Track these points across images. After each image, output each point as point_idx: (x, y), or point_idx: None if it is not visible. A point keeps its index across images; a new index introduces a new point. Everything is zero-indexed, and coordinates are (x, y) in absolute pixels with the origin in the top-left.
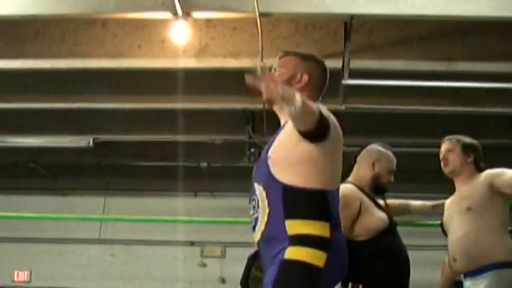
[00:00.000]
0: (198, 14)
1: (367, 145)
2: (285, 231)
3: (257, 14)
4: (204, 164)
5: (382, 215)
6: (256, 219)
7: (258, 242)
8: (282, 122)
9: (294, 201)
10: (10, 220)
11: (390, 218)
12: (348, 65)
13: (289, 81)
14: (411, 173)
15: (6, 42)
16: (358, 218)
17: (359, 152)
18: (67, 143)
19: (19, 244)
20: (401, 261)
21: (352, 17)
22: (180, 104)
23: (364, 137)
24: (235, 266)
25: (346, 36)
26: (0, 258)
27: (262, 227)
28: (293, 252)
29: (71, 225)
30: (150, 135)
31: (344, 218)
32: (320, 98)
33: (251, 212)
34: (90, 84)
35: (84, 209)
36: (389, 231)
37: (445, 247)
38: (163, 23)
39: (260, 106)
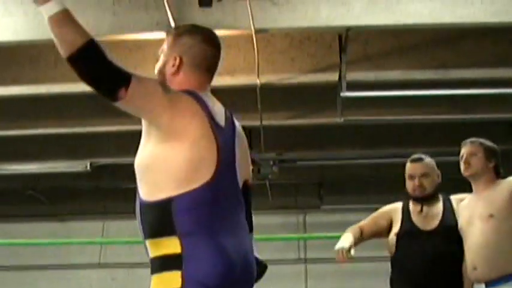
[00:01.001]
0: None
1: (367, 157)
2: (151, 253)
3: (253, 30)
4: None
5: None
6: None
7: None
8: None
9: (152, 218)
10: (9, 248)
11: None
12: (345, 77)
13: (164, 70)
14: None
15: (1, 67)
16: None
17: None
18: (64, 167)
19: (19, 272)
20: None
21: (349, 29)
22: None
23: (364, 148)
24: None
25: (342, 49)
26: (1, 286)
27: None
28: (158, 280)
29: (70, 250)
30: None
31: None
32: (211, 77)
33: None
34: (86, 108)
35: (82, 234)
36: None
37: None
38: (158, 42)
39: (257, 123)
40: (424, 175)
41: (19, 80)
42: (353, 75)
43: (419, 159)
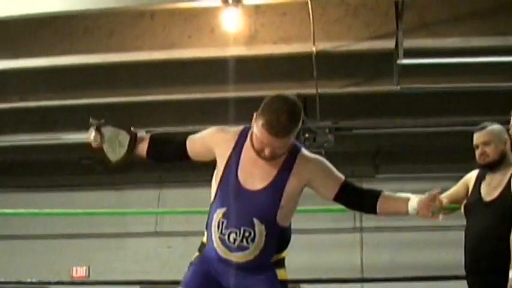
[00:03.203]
0: (247, 1)
1: (423, 125)
2: (270, 260)
3: None
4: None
5: None
6: (243, 248)
7: (236, 261)
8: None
9: (282, 240)
10: (65, 217)
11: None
12: (402, 45)
13: None
14: (469, 153)
15: (55, 38)
16: None
17: None
18: None
19: (77, 240)
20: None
21: None
22: (231, 93)
23: (420, 117)
24: (293, 253)
25: (398, 16)
26: (59, 255)
27: (251, 257)
28: (281, 274)
29: (126, 219)
30: (202, 126)
31: None
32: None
33: (236, 238)
34: (142, 77)
35: (139, 203)
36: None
37: None
38: (212, 11)
39: (313, 91)
40: (486, 143)
41: (73, 50)
42: (409, 43)
43: (481, 128)
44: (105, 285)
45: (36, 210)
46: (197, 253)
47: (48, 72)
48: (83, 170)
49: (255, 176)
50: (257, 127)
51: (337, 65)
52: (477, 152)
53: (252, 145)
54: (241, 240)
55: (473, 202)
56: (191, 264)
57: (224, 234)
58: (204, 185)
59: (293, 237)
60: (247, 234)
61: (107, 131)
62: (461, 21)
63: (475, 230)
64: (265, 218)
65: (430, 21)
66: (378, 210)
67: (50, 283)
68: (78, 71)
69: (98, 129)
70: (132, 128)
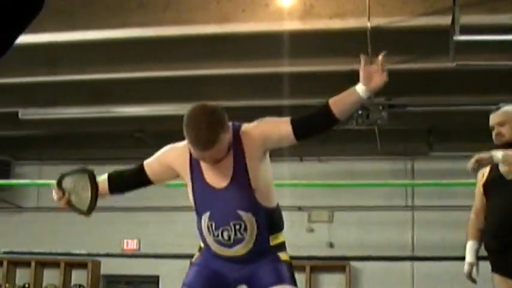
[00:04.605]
0: None
1: (479, 104)
2: (268, 244)
3: None
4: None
5: None
6: (239, 240)
7: (239, 255)
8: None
9: (272, 220)
10: None
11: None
12: (458, 21)
13: None
14: None
15: (110, 12)
16: None
17: None
18: (172, 111)
19: (128, 213)
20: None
21: None
22: (285, 68)
23: (475, 95)
24: (344, 231)
25: None
26: (111, 227)
27: (250, 245)
28: (283, 256)
29: (177, 193)
30: (255, 101)
31: None
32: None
33: (230, 234)
34: (195, 51)
35: None
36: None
37: None
38: None
39: None
40: (501, 124)
41: (128, 24)
42: (466, 19)
43: (496, 109)
44: (156, 258)
45: None
46: (197, 253)
47: (102, 46)
48: (135, 143)
49: (217, 175)
50: (188, 143)
51: (391, 41)
52: (493, 133)
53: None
54: (235, 234)
55: (492, 180)
56: (192, 264)
57: (217, 236)
58: None
59: (343, 214)
60: (238, 226)
61: (66, 182)
62: None
63: (497, 207)
64: (247, 206)
65: None
66: (337, 115)
67: (100, 255)
68: (132, 45)
69: (59, 186)
70: (86, 167)
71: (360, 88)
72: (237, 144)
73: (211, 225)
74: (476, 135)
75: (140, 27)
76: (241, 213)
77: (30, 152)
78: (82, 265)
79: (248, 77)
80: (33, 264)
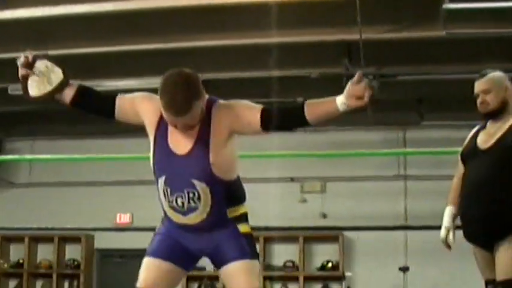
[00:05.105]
0: None
1: (470, 72)
2: (226, 216)
3: None
4: (300, 99)
5: None
6: (193, 208)
7: (193, 223)
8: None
9: (230, 193)
10: (113, 163)
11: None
12: None
13: None
14: None
15: None
16: None
17: None
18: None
19: (121, 187)
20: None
21: None
22: (274, 39)
23: (466, 63)
24: (336, 201)
25: None
26: (104, 202)
27: (204, 215)
28: (243, 228)
29: None
30: (244, 72)
31: None
32: None
33: (184, 201)
34: (182, 24)
35: None
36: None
37: None
38: None
39: (356, 37)
40: (486, 91)
41: None
42: None
43: (481, 76)
44: (149, 232)
45: (84, 156)
46: (159, 224)
47: (89, 20)
48: None
49: (180, 140)
50: (161, 107)
51: (381, 9)
52: (478, 101)
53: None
54: (189, 202)
55: (468, 151)
56: (155, 234)
57: (172, 201)
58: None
59: (336, 185)
60: (191, 195)
61: (42, 64)
62: None
63: (470, 178)
64: (201, 176)
65: None
66: (308, 119)
67: (93, 229)
68: (129, 17)
69: (34, 59)
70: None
71: (339, 100)
72: (207, 116)
73: (167, 190)
74: (467, 104)
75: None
76: (196, 182)
77: (22, 128)
78: (76, 239)
79: (235, 49)
80: (26, 240)
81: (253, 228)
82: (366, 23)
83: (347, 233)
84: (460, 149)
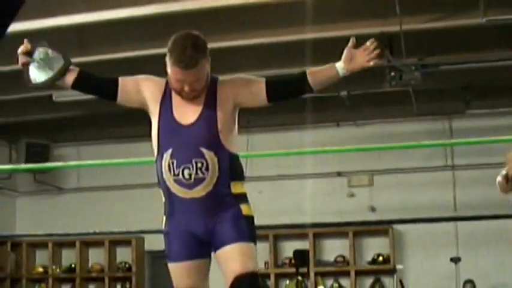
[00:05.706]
0: None
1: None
2: (230, 190)
3: None
4: (344, 93)
5: None
6: (200, 179)
7: (199, 197)
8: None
9: (235, 167)
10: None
11: None
12: None
13: None
14: None
15: None
16: None
17: None
18: None
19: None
20: None
21: None
22: (312, 34)
23: (506, 50)
24: (384, 194)
25: None
26: (152, 204)
27: (210, 187)
28: (245, 209)
29: None
30: (287, 69)
31: None
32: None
33: (191, 173)
34: (220, 23)
35: None
36: None
37: None
38: None
39: (397, 28)
40: None
41: (153, 1)
42: None
43: None
44: None
45: (130, 160)
46: (164, 217)
47: (131, 24)
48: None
49: (187, 111)
50: (169, 67)
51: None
52: None
53: (173, 88)
54: (197, 173)
55: None
56: (165, 233)
57: (178, 174)
58: (291, 128)
59: (383, 177)
60: (199, 164)
61: (42, 51)
62: None
63: None
64: (211, 144)
65: None
66: (312, 84)
67: (143, 232)
68: (158, 20)
69: (33, 47)
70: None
71: (339, 66)
72: (212, 89)
73: (173, 163)
74: None
75: (166, 2)
76: (204, 150)
77: (67, 134)
78: (126, 243)
79: (276, 46)
80: (77, 244)
81: (301, 225)
82: (405, 13)
83: (397, 226)
84: (507, 137)
